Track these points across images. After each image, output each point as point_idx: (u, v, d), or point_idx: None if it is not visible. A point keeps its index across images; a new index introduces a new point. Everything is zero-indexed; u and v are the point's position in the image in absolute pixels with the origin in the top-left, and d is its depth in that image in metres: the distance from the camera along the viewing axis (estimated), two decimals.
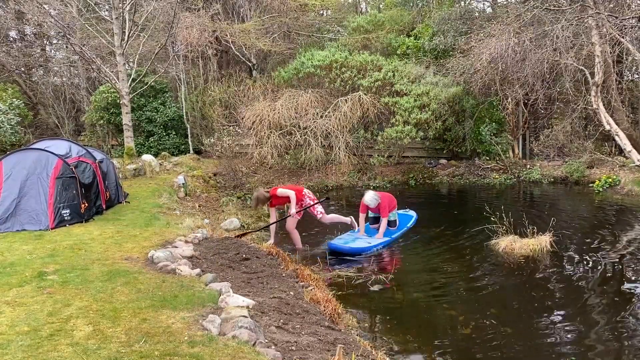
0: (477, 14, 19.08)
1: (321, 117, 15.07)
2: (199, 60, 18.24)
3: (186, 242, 7.13)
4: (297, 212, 8.39)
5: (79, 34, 17.23)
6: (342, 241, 8.45)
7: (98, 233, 7.32)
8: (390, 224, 9.10)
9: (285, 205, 8.97)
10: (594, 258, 7.51)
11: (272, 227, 8.55)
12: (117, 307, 4.36)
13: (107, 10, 15.55)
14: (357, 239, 8.54)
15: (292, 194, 8.35)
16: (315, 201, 8.70)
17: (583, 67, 14.12)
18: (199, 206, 10.92)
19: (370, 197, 8.69)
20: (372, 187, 15.01)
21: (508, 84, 15.73)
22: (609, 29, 13.02)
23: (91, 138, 18.29)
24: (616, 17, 12.90)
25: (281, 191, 8.49)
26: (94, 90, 18.97)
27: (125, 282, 5.06)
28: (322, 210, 8.70)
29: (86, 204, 8.22)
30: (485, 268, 7.35)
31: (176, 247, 6.71)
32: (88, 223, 8.03)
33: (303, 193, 8.65)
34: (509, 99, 15.77)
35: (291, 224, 8.41)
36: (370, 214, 9.17)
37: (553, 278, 6.79)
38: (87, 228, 7.65)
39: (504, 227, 8.17)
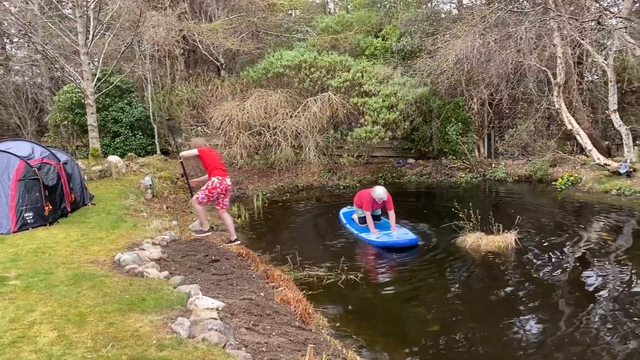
0: (443, 16, 19.42)
1: (291, 117, 15.06)
2: (166, 60, 18.02)
3: (154, 244, 7.03)
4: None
5: (41, 33, 16.79)
6: (393, 237, 8.54)
7: (63, 236, 7.15)
8: (376, 218, 9.30)
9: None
10: (557, 254, 7.72)
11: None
12: (83, 312, 4.28)
13: (70, 8, 15.19)
14: (388, 234, 8.70)
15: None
16: (205, 188, 8.00)
17: (546, 68, 14.51)
18: (166, 208, 10.77)
19: (383, 190, 8.89)
20: (342, 187, 15.12)
21: (473, 84, 16.05)
22: (569, 31, 13.42)
23: (55, 139, 17.89)
24: (576, 20, 13.30)
25: (212, 160, 8.07)
26: (58, 90, 18.54)
27: (91, 285, 4.97)
28: (200, 198, 8.02)
29: (50, 207, 8.02)
30: (453, 265, 7.48)
31: (143, 249, 6.61)
32: (52, 226, 7.84)
33: (215, 180, 7.93)
34: (475, 99, 16.09)
35: (195, 199, 8.08)
36: (361, 214, 9.37)
37: (518, 274, 6.96)
38: (51, 231, 7.47)
39: (470, 225, 8.33)
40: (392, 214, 9.02)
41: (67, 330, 3.90)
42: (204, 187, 8.07)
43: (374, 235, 8.77)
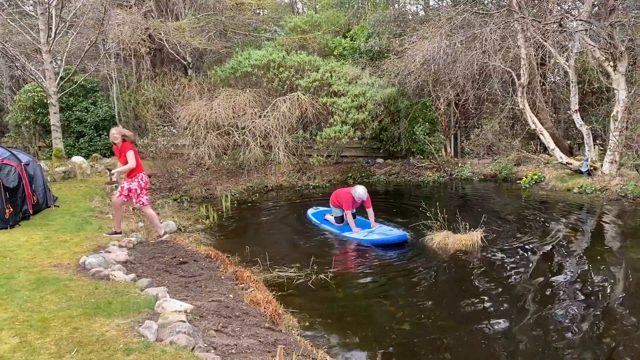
0: (410, 17, 19.65)
1: (260, 117, 14.98)
2: (131, 59, 17.68)
3: (120, 246, 6.92)
4: (115, 182, 8.04)
5: (1, 30, 16.29)
6: (382, 234, 8.62)
7: (25, 239, 6.96)
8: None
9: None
10: (522, 251, 7.90)
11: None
12: (46, 317, 4.17)
13: (31, 5, 14.78)
14: (373, 231, 8.81)
15: (131, 165, 7.56)
16: (141, 190, 7.78)
17: (510, 69, 14.82)
18: (132, 209, 10.59)
19: (364, 190, 9.02)
20: (311, 187, 15.13)
21: (440, 85, 16.28)
22: (533, 32, 13.74)
23: (16, 140, 17.39)
24: (539, 22, 13.64)
25: (130, 155, 7.63)
26: (19, 89, 18.02)
27: (55, 290, 4.85)
28: (145, 201, 7.87)
29: (11, 209, 7.80)
30: (421, 263, 7.56)
31: (109, 252, 6.49)
32: (13, 229, 7.63)
33: (142, 176, 7.81)
34: (441, 100, 16.33)
35: (117, 201, 7.78)
36: (338, 213, 9.40)
37: (484, 271, 7.09)
38: (12, 234, 7.26)
39: (438, 224, 8.44)
40: (371, 211, 9.10)
41: (29, 336, 3.79)
42: (139, 191, 7.72)
43: (361, 233, 8.80)
